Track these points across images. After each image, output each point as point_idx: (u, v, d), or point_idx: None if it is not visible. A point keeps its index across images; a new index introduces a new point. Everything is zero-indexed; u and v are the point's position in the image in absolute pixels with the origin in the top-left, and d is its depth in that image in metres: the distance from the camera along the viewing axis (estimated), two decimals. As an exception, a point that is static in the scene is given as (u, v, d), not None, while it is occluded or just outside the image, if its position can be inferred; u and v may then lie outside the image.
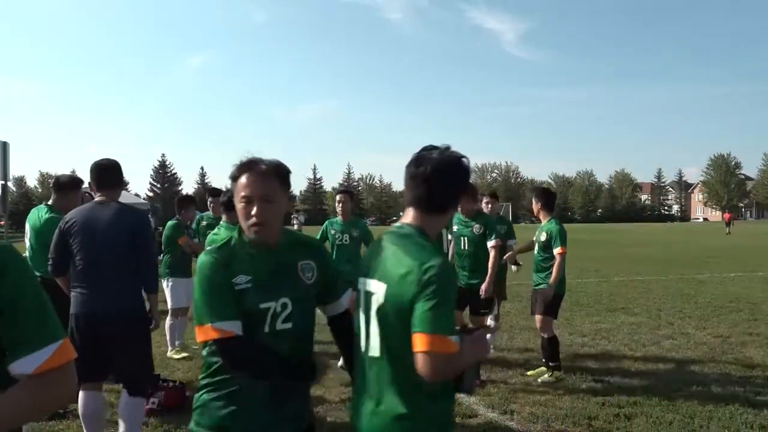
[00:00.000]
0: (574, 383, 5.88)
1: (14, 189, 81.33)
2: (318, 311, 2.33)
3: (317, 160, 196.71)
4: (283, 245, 2.19)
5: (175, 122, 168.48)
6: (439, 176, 1.98)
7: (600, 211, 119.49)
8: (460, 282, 5.99)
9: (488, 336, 2.15)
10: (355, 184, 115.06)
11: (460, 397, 5.00)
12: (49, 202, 5.21)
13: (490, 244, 6.09)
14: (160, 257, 7.07)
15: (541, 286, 6.04)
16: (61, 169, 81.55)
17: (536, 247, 6.20)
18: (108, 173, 4.09)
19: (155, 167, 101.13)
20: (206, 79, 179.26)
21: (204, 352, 2.17)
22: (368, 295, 2.04)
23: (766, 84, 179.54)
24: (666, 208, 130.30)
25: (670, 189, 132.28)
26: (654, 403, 5.25)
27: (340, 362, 3.26)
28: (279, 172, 2.13)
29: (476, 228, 6.18)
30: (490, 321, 6.79)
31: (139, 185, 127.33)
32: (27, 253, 5.22)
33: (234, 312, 2.04)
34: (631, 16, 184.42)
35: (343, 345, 2.39)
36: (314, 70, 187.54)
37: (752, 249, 26.05)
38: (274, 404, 2.09)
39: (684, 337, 8.02)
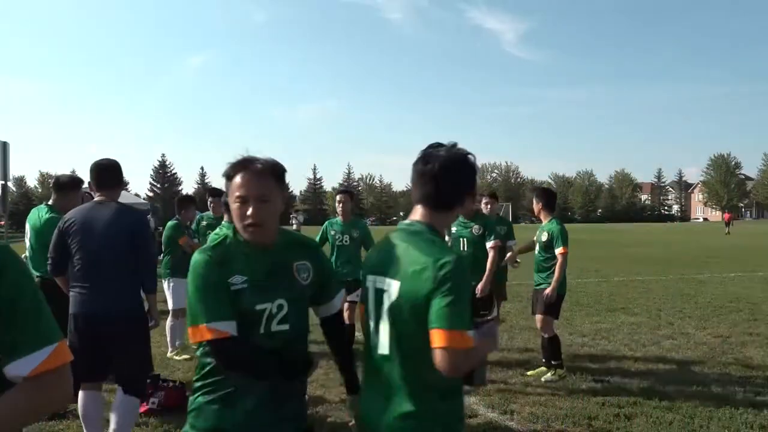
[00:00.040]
0: (574, 383, 5.88)
1: (14, 189, 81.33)
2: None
3: (317, 160, 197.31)
4: (279, 245, 2.14)
5: (175, 122, 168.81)
6: (447, 173, 1.99)
7: (600, 211, 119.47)
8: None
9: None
10: (355, 184, 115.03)
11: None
12: (49, 202, 5.22)
13: (489, 244, 6.08)
14: (161, 257, 7.06)
15: (542, 286, 6.04)
16: (61, 169, 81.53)
17: (537, 247, 6.19)
18: (108, 173, 4.09)
19: (155, 167, 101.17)
20: (206, 79, 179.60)
21: (198, 353, 2.12)
22: (379, 292, 2.02)
23: (766, 84, 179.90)
24: (666, 208, 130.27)
25: (670, 189, 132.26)
26: (654, 403, 5.24)
27: None
28: (275, 171, 2.08)
29: (475, 229, 6.16)
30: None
31: (139, 185, 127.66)
32: (27, 253, 5.23)
33: (229, 312, 1.99)
34: (631, 16, 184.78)
35: (335, 345, 2.37)
36: (314, 70, 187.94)
37: (752, 249, 26.06)
38: (273, 404, 2.06)
39: (684, 337, 8.02)
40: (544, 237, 6.07)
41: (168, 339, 7.17)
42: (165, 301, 7.14)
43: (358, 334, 7.21)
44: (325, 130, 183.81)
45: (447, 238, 6.78)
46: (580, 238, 33.36)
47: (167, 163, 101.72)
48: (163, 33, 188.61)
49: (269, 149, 2.13)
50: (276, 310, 2.06)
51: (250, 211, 2.02)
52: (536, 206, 6.24)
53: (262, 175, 2.04)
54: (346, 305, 6.48)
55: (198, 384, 2.10)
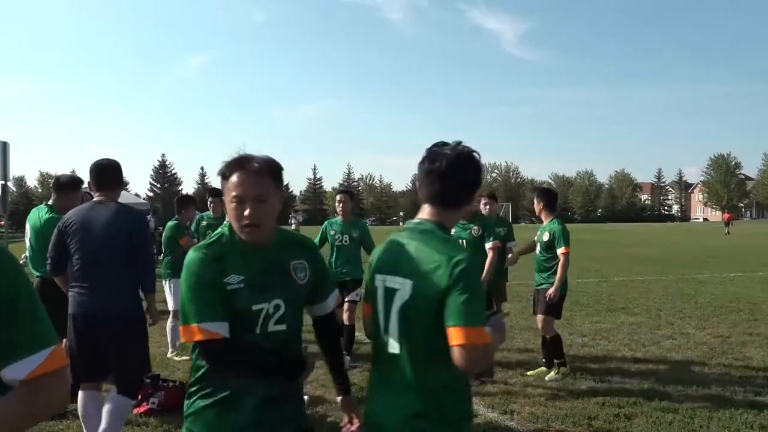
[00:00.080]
0: (574, 383, 5.88)
1: (14, 189, 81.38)
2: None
3: (317, 160, 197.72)
4: (275, 244, 2.11)
5: (175, 122, 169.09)
6: (454, 171, 2.00)
7: (600, 211, 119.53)
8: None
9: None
10: (355, 184, 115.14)
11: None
12: (50, 202, 5.22)
13: (488, 245, 6.07)
14: (161, 258, 7.05)
15: (544, 286, 6.03)
16: (61, 169, 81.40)
17: (538, 247, 6.17)
18: (107, 173, 4.09)
19: (155, 167, 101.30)
20: (206, 79, 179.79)
21: (193, 355, 2.07)
22: (389, 291, 2.02)
23: (766, 84, 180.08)
24: (666, 208, 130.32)
25: (670, 189, 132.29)
26: (654, 403, 5.24)
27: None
28: (272, 170, 2.03)
29: (474, 230, 6.13)
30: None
31: (139, 185, 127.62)
32: (27, 253, 5.23)
33: (222, 313, 1.94)
34: (631, 16, 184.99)
35: (327, 346, 2.34)
36: (314, 70, 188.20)
37: (752, 249, 26.05)
38: (272, 405, 2.04)
39: (684, 337, 8.02)
40: (546, 237, 6.06)
41: (168, 339, 7.16)
42: (165, 302, 7.14)
43: (359, 335, 7.18)
44: (325, 130, 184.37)
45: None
46: (580, 238, 33.34)
47: (167, 163, 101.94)
48: (163, 33, 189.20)
49: (269, 149, 2.11)
50: (273, 310, 2.03)
51: (247, 212, 1.98)
52: (537, 206, 6.24)
53: (259, 175, 2.00)
54: (346, 305, 6.46)
55: (194, 387, 2.05)
